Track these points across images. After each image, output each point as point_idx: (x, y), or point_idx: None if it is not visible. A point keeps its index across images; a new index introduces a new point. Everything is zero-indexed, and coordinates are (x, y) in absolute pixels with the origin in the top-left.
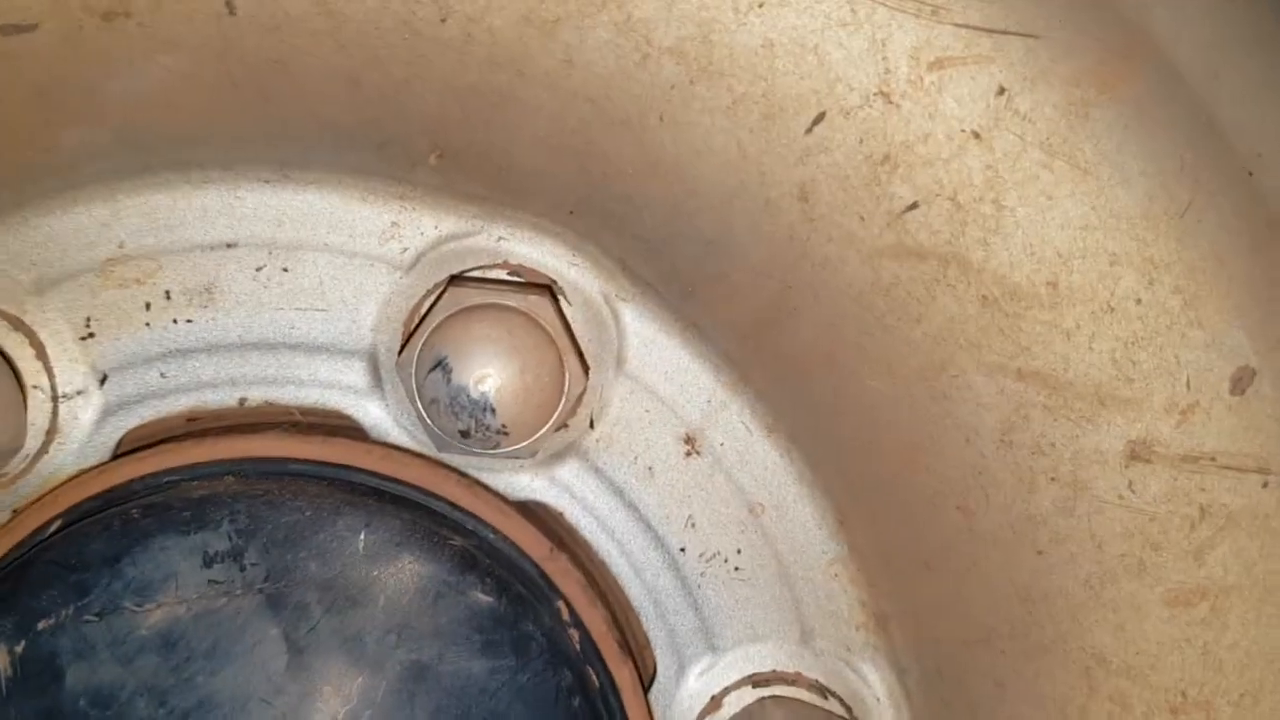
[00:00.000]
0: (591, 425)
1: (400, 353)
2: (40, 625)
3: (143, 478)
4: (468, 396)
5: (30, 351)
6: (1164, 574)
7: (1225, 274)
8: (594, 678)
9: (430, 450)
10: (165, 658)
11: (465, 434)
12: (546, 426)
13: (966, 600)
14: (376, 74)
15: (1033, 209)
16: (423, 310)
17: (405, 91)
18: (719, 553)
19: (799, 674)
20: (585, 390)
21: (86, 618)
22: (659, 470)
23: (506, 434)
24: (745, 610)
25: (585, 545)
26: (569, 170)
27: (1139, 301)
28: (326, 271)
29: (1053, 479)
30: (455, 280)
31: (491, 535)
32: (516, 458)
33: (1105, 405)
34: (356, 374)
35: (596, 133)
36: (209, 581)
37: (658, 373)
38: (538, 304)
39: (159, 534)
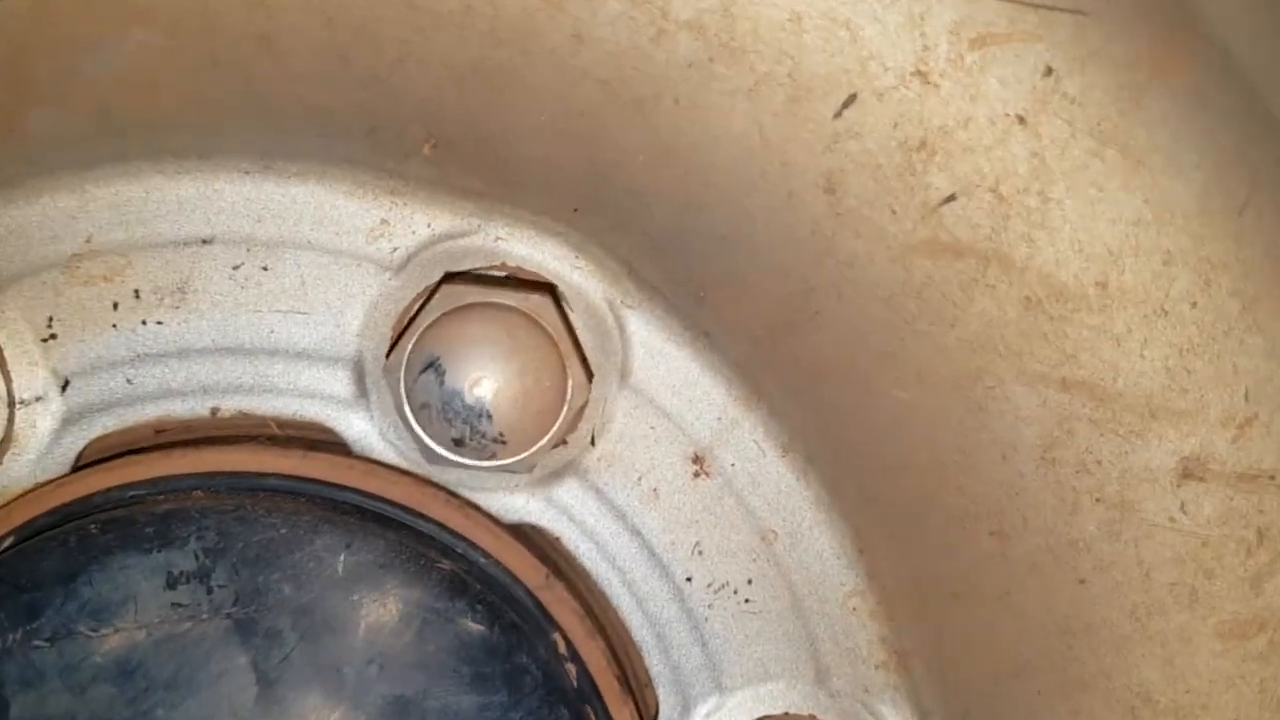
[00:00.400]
0: (593, 442)
1: (389, 355)
2: None
3: (105, 491)
4: (462, 401)
5: None
6: (1217, 604)
7: None
8: (592, 717)
9: (418, 467)
10: (121, 688)
11: (459, 442)
12: (547, 437)
13: (999, 633)
14: (368, 51)
15: (1082, 202)
16: (414, 312)
17: (398, 71)
18: (728, 583)
19: (813, 717)
20: (587, 402)
21: (36, 642)
22: (664, 492)
23: (504, 443)
24: (756, 646)
25: (584, 573)
26: (574, 160)
27: (1194, 305)
28: (309, 271)
29: (1098, 500)
30: (449, 278)
31: (483, 559)
32: (512, 472)
33: (1157, 418)
34: (340, 383)
35: (606, 117)
36: (172, 604)
37: (665, 386)
38: (539, 304)
39: (119, 551)
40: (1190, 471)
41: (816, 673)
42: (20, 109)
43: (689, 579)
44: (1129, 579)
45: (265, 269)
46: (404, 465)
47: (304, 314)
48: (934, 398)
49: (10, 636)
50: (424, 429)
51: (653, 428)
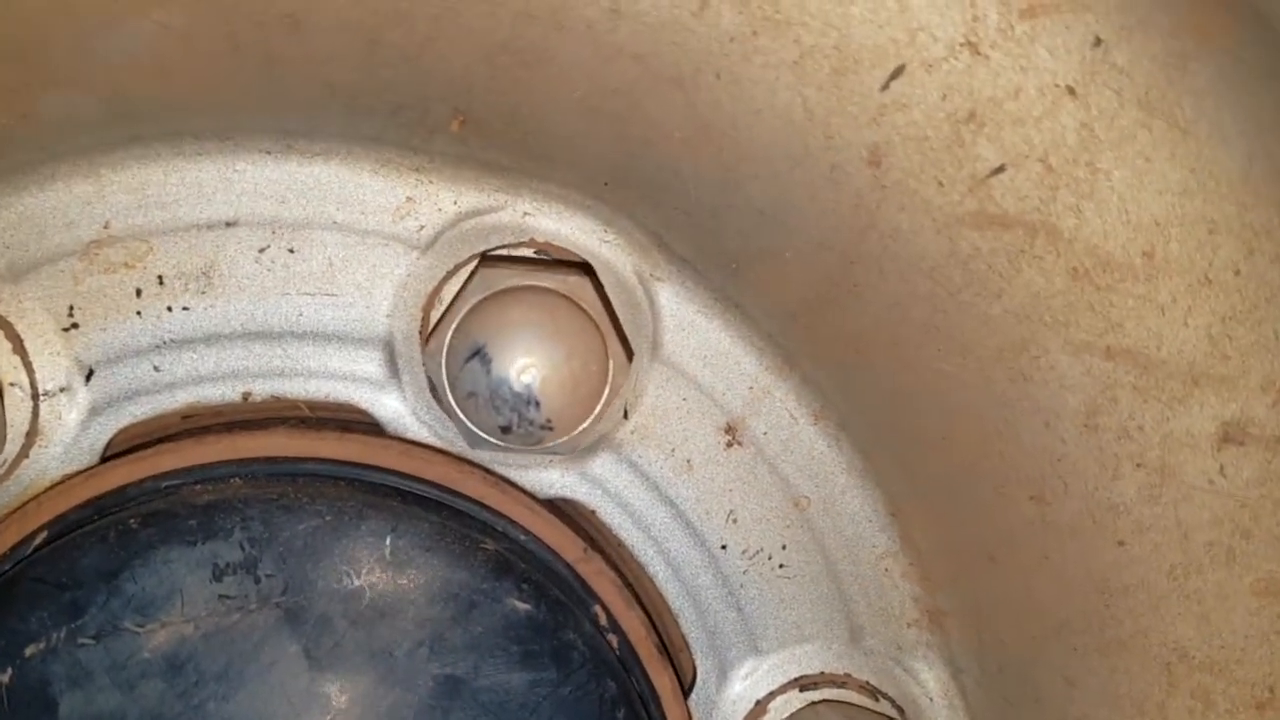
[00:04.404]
0: (626, 416)
1: (428, 341)
2: (29, 651)
3: (138, 482)
4: (510, 389)
5: (6, 345)
6: (1254, 563)
7: None
8: (634, 686)
9: (452, 445)
10: (172, 683)
11: (506, 429)
12: (590, 419)
13: (1036, 594)
14: (398, 31)
15: (1130, 172)
16: (444, 293)
17: (428, 50)
18: (762, 549)
19: (848, 675)
20: (625, 380)
21: (82, 640)
22: (698, 463)
23: (550, 429)
24: (791, 609)
25: (620, 545)
26: (607, 136)
27: (1238, 273)
28: (336, 252)
29: (1139, 465)
30: (485, 260)
31: (523, 536)
32: (556, 454)
33: (1199, 385)
34: (371, 364)
35: (642, 94)
36: (220, 596)
37: (696, 358)
38: (577, 285)
39: (161, 545)
40: (1230, 436)
41: (850, 633)
42: (34, 93)
43: (724, 547)
44: (1168, 540)
45: (291, 251)
46: (438, 444)
47: (332, 295)
48: (977, 368)
49: (55, 635)
50: (469, 416)
51: (685, 399)
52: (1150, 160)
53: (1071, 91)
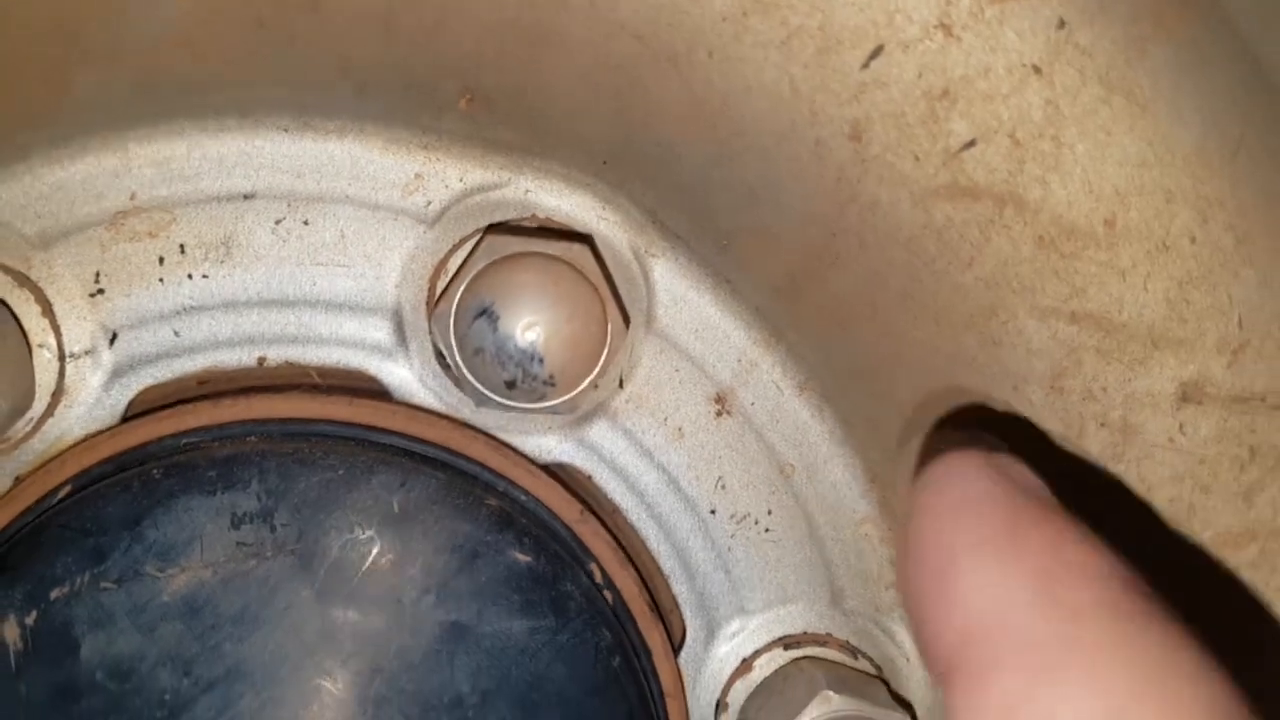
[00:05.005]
0: (621, 385)
1: (437, 303)
2: (54, 594)
3: (159, 440)
4: (515, 345)
5: (36, 308)
6: (1213, 517)
7: (1275, 212)
8: (627, 640)
9: (457, 412)
10: (190, 625)
11: (511, 385)
12: (589, 378)
13: None
14: (411, 11)
15: (1092, 144)
16: (450, 264)
17: (440, 30)
18: (749, 514)
19: (829, 635)
20: (620, 347)
21: (104, 585)
22: (689, 431)
23: (553, 385)
24: (776, 572)
25: (614, 508)
26: (607, 113)
27: (1193, 240)
28: (348, 225)
29: (1102, 424)
30: (491, 228)
31: (523, 496)
32: (556, 413)
33: (1158, 347)
34: (380, 332)
35: (641, 70)
36: (237, 544)
37: (688, 331)
38: (579, 253)
39: (182, 494)
40: (1189, 395)
41: (831, 595)
42: (67, 69)
43: (713, 511)
44: (1131, 496)
45: (306, 223)
46: (443, 410)
47: (344, 266)
48: (950, 335)
49: (78, 580)
50: (475, 374)
51: (677, 370)
52: (1111, 134)
53: (1037, 70)
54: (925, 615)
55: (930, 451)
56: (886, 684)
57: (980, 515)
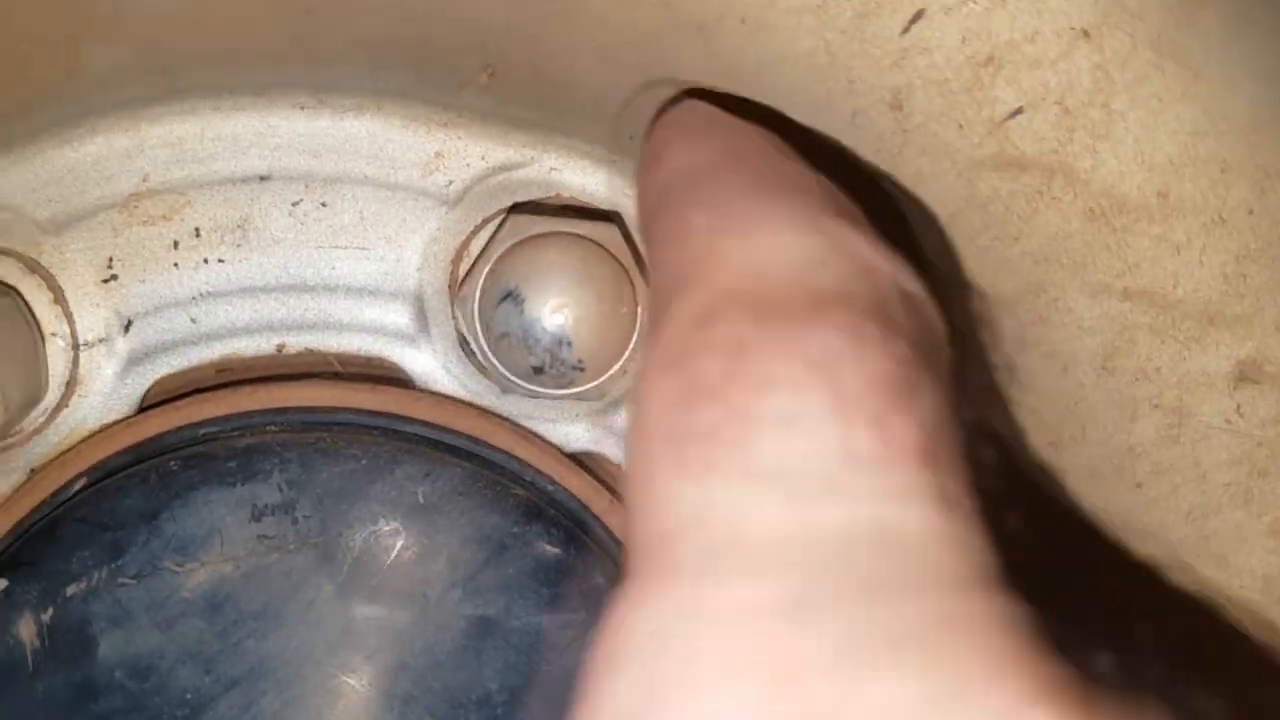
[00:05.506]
0: None
1: (461, 286)
2: (70, 590)
3: (176, 430)
4: (543, 328)
5: (48, 295)
6: (1271, 501)
7: None
8: None
9: (480, 399)
10: (210, 621)
11: (538, 370)
12: (619, 363)
13: (1054, 540)
14: None
15: (1144, 113)
16: (473, 246)
17: (459, 2)
18: None
19: None
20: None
21: (122, 580)
22: None
23: (582, 370)
24: None
25: None
26: (631, 86)
27: (1251, 212)
28: (367, 206)
29: (1156, 406)
30: (514, 209)
31: (550, 486)
32: (584, 400)
33: (1214, 324)
34: (402, 317)
35: (667, 39)
36: (258, 537)
37: None
38: (607, 233)
39: (202, 487)
40: (1246, 375)
41: None
42: (77, 48)
43: None
44: (1186, 481)
45: (324, 205)
46: (467, 397)
47: (364, 249)
48: (995, 313)
49: (96, 575)
50: (501, 359)
51: None
52: (1163, 101)
53: (1086, 34)
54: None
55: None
56: None
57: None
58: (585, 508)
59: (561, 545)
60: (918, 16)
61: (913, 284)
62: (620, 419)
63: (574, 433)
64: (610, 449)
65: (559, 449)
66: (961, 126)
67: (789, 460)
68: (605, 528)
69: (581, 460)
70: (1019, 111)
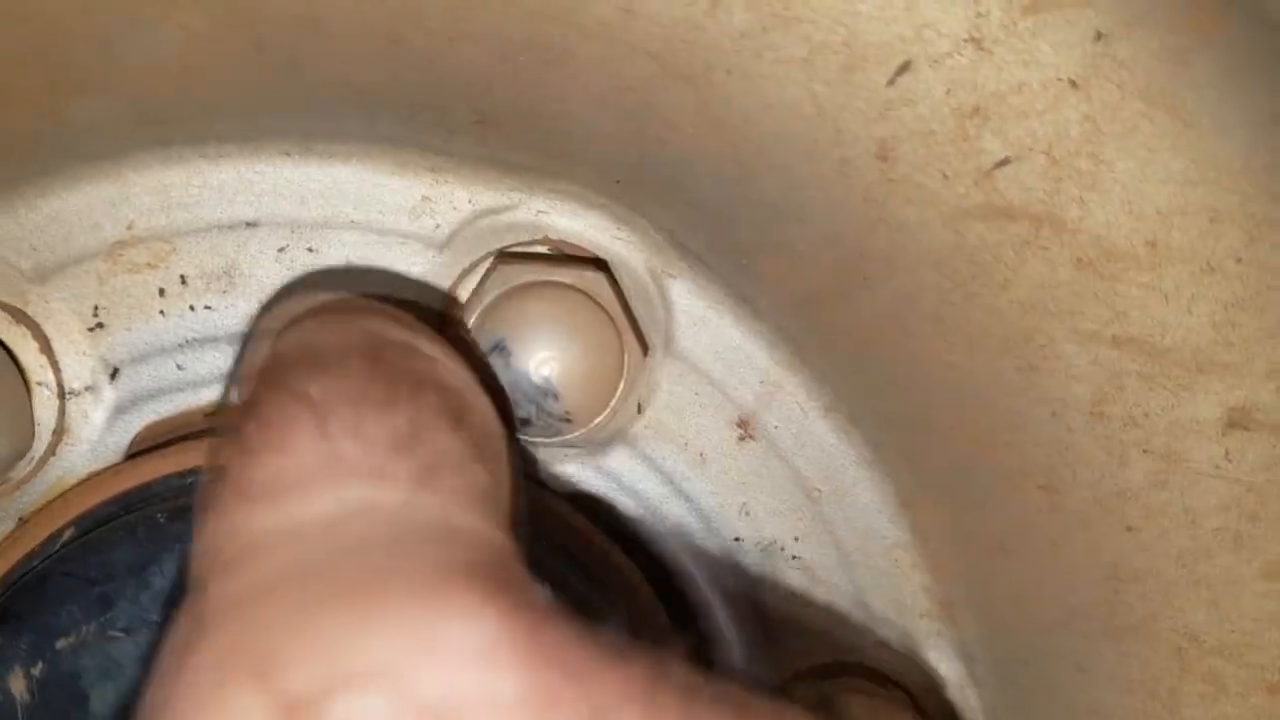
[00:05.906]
0: (640, 411)
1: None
2: (60, 644)
3: (163, 478)
4: (529, 382)
5: (34, 345)
6: (1262, 546)
7: None
8: None
9: None
10: None
11: (526, 422)
12: (606, 412)
13: (1046, 583)
14: (419, 32)
15: (1133, 163)
16: (460, 291)
17: (449, 50)
18: (776, 540)
19: (860, 663)
20: (639, 375)
21: (111, 633)
22: (711, 456)
23: (569, 421)
24: (804, 599)
25: (637, 537)
26: (621, 132)
27: (1240, 260)
28: (355, 251)
29: (1146, 451)
30: (502, 258)
31: (546, 528)
32: (573, 446)
33: (1204, 371)
34: None
35: (655, 90)
36: None
37: (709, 353)
38: (594, 281)
39: (188, 539)
40: (1236, 421)
41: (862, 622)
42: (60, 97)
43: (738, 539)
44: (1176, 525)
45: (310, 250)
46: None
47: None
48: (984, 359)
49: (85, 629)
50: None
51: (697, 394)
52: (1153, 151)
53: (1074, 85)
54: None
55: None
56: (924, 712)
57: None
58: (585, 548)
59: (560, 587)
60: (904, 68)
61: (454, 373)
62: (610, 459)
63: (565, 473)
64: (601, 489)
65: (552, 490)
66: (948, 176)
67: (276, 476)
68: (602, 567)
69: (574, 501)
70: (1006, 162)
